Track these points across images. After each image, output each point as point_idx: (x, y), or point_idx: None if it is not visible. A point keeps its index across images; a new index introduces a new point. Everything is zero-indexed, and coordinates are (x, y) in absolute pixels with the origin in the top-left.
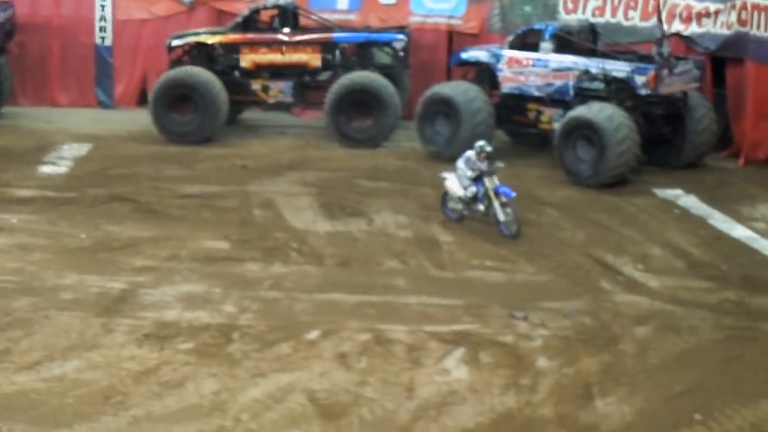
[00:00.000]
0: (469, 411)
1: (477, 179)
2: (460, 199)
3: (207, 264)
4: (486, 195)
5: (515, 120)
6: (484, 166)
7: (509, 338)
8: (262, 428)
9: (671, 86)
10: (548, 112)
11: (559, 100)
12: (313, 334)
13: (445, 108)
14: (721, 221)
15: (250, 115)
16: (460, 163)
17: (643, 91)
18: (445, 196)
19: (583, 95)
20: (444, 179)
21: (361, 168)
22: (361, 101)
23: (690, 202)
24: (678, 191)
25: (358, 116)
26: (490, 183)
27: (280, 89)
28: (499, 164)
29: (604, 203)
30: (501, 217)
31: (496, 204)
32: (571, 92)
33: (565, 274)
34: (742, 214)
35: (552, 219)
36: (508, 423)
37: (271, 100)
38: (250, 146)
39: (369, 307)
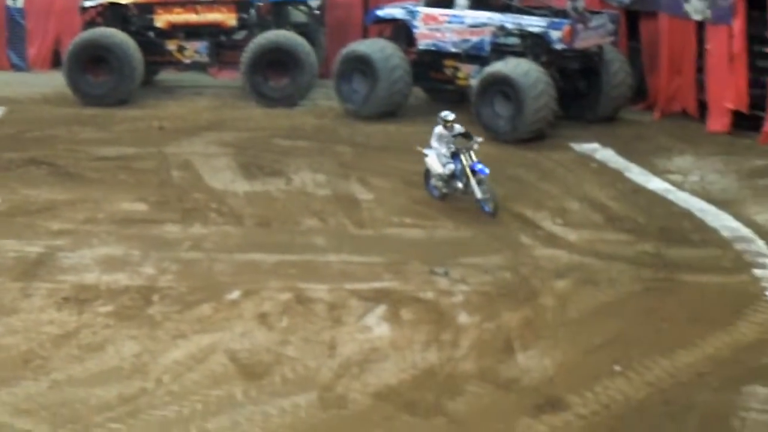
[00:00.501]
0: (391, 368)
1: (455, 156)
2: (440, 177)
3: (125, 226)
4: (464, 172)
5: (432, 77)
6: (453, 138)
7: (430, 294)
8: (183, 389)
9: (586, 41)
10: (465, 69)
11: (475, 56)
12: (234, 295)
13: (362, 66)
14: (637, 174)
15: (166, 75)
16: (434, 142)
17: (559, 46)
18: (427, 173)
19: (500, 51)
20: (424, 156)
21: (278, 127)
22: (278, 60)
23: (607, 155)
24: (595, 145)
25: (275, 75)
26: (466, 160)
27: (195, 49)
28: (477, 139)
29: (522, 158)
30: (478, 194)
31: (473, 182)
32: (488, 48)
33: (485, 230)
34: (658, 167)
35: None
36: (430, 379)
37: (187, 61)
38: (166, 107)
39: (289, 266)
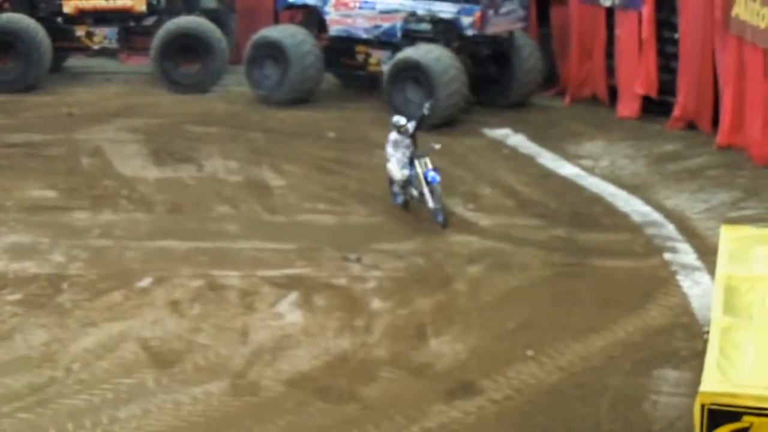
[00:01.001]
0: (303, 354)
1: (411, 162)
2: (399, 183)
3: (34, 214)
4: (418, 179)
5: (344, 63)
6: (408, 142)
7: (343, 281)
8: (94, 378)
9: (497, 26)
10: (376, 55)
11: (386, 42)
12: (145, 282)
13: (273, 51)
14: (549, 159)
15: (75, 62)
16: (389, 148)
17: (470, 32)
18: (390, 179)
19: (411, 37)
20: (387, 161)
21: (189, 113)
22: (188, 46)
23: (518, 141)
24: (506, 131)
25: (186, 61)
26: (420, 167)
27: (104, 35)
28: (434, 146)
29: None
30: (430, 204)
31: (425, 190)
32: (399, 34)
33: (397, 216)
34: (569, 152)
35: (382, 161)
36: (343, 365)
37: (96, 47)
38: (75, 93)
39: (201, 253)
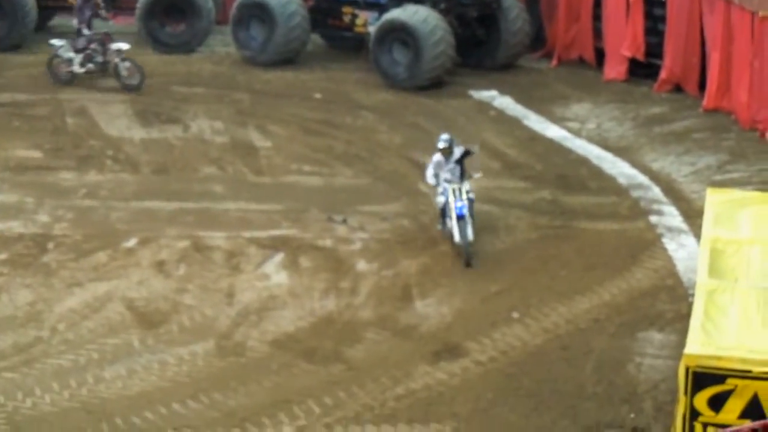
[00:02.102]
0: (289, 315)
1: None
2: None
3: (19, 173)
4: (448, 208)
5: (330, 24)
6: (451, 167)
7: (328, 242)
8: (79, 338)
9: None
10: (363, 15)
11: (373, 3)
12: (131, 243)
13: (259, 12)
14: (535, 122)
15: (60, 21)
16: (428, 170)
17: None
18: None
19: None
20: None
21: (175, 74)
22: (174, 6)
23: (505, 103)
24: (493, 92)
25: (171, 21)
26: (452, 196)
27: None
28: (475, 174)
29: (421, 106)
30: (455, 238)
31: (453, 222)
32: None
33: (383, 178)
34: (555, 114)
35: (369, 122)
36: (329, 326)
37: None
38: None
39: (187, 214)
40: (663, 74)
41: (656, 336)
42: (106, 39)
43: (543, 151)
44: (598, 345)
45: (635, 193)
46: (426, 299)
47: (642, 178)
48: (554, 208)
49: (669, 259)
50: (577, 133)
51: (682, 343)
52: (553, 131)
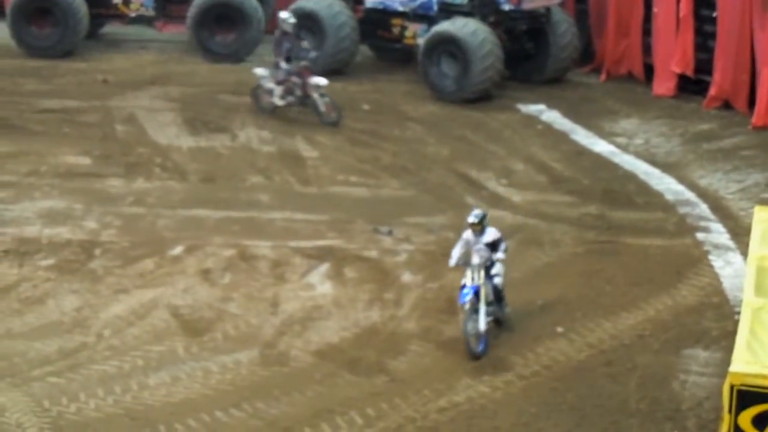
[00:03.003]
0: (333, 326)
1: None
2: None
3: (68, 180)
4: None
5: (380, 35)
6: (480, 247)
7: (374, 253)
8: (124, 344)
9: (534, 2)
10: (412, 27)
11: (423, 15)
12: (177, 250)
13: (309, 23)
14: (583, 136)
15: (112, 29)
16: (456, 250)
17: (507, 7)
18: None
19: (447, 11)
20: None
21: (224, 83)
22: (225, 15)
23: (553, 117)
24: (541, 106)
25: (222, 30)
26: (473, 274)
27: (141, 2)
28: (498, 255)
29: (468, 119)
30: (480, 326)
31: (481, 311)
32: (435, 7)
33: (430, 190)
34: (603, 129)
35: (416, 134)
36: (373, 337)
37: (133, 14)
38: (111, 60)
39: (233, 222)
40: (712, 91)
41: (701, 353)
42: (305, 73)
43: (590, 165)
44: (643, 361)
45: (682, 210)
46: None
47: (689, 195)
48: (600, 223)
49: (715, 277)
50: (624, 149)
51: (727, 360)
52: (600, 146)
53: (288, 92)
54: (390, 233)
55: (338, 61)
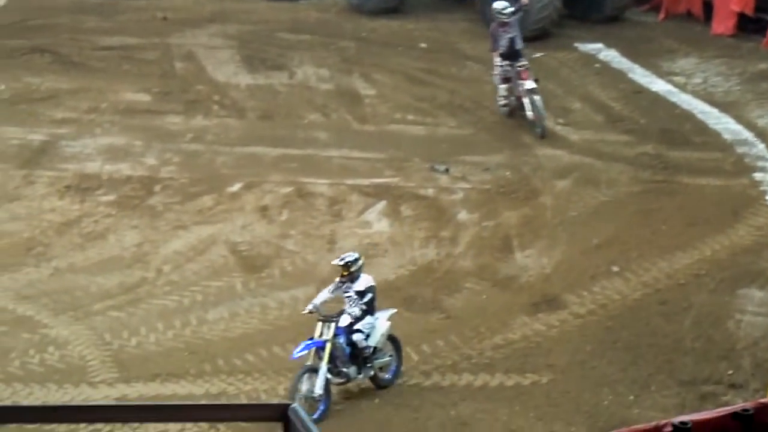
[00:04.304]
0: (389, 263)
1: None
2: None
3: (128, 116)
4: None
5: None
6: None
7: (430, 191)
8: (183, 280)
9: None
10: None
11: None
12: (235, 187)
13: None
14: (641, 75)
15: None
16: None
17: None
18: None
19: None
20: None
21: (282, 21)
22: None
23: (611, 56)
24: (599, 45)
25: None
26: (329, 347)
27: None
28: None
29: (526, 58)
30: (316, 389)
31: (321, 371)
32: None
33: (486, 128)
34: (661, 68)
35: (474, 73)
36: (429, 275)
37: None
38: None
39: (291, 160)
40: None
41: (757, 293)
42: (523, 73)
43: (647, 105)
44: (698, 300)
45: (740, 150)
46: (526, 250)
47: (747, 134)
48: (657, 162)
49: None
50: (682, 88)
51: None
52: (658, 85)
53: (510, 93)
54: (446, 171)
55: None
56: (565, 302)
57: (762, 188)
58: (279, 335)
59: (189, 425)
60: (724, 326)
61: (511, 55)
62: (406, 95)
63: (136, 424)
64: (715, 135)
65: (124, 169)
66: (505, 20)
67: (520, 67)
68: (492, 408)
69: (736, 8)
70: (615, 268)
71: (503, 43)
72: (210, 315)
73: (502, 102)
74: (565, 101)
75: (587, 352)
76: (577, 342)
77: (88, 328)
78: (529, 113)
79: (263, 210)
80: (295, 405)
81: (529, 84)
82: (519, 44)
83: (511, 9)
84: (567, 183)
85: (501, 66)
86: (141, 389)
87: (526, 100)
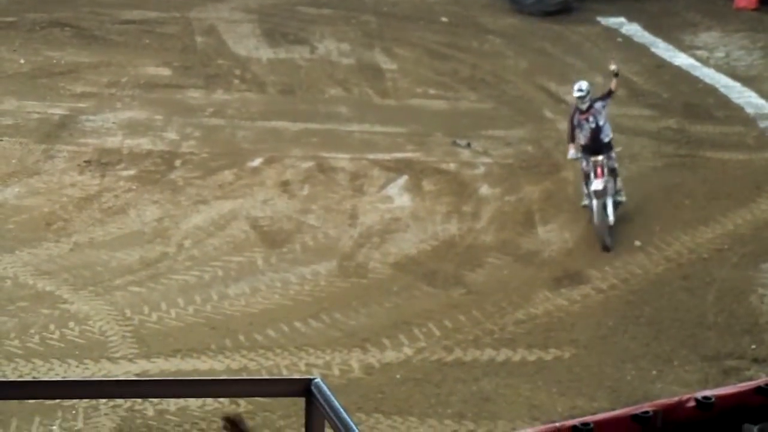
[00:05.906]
0: (411, 238)
1: None
2: None
3: (148, 91)
4: None
5: None
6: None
7: (452, 166)
8: (204, 255)
9: None
10: None
11: None
12: (256, 162)
13: None
14: (663, 49)
15: None
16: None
17: None
18: None
19: None
20: None
21: None
22: None
23: (633, 30)
24: (621, 19)
25: None
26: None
27: None
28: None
29: (548, 31)
30: (594, 218)
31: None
32: None
33: (508, 103)
34: (684, 43)
35: (495, 47)
36: (450, 249)
37: None
38: None
39: (312, 134)
40: None
41: None
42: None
43: (670, 79)
44: (720, 275)
45: (762, 124)
46: (548, 225)
47: None
48: (680, 136)
49: None
50: (705, 62)
51: None
52: (680, 59)
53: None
54: (468, 146)
55: None
56: (588, 277)
57: None
58: (300, 310)
59: (210, 400)
60: (747, 301)
61: (596, 150)
62: (428, 69)
63: (156, 400)
64: (738, 109)
65: (145, 143)
66: (583, 109)
67: (596, 161)
68: (514, 383)
69: None
70: (637, 243)
71: (584, 133)
72: (231, 290)
73: (585, 202)
74: (587, 75)
75: (609, 327)
76: (600, 317)
77: (109, 304)
78: (596, 221)
79: (284, 185)
80: (318, 380)
81: (597, 184)
82: (606, 135)
83: (587, 90)
84: None
85: (576, 158)
86: (162, 364)
87: (594, 203)
